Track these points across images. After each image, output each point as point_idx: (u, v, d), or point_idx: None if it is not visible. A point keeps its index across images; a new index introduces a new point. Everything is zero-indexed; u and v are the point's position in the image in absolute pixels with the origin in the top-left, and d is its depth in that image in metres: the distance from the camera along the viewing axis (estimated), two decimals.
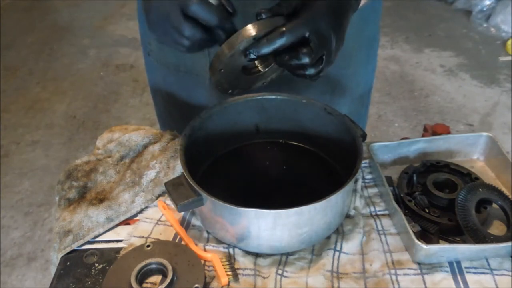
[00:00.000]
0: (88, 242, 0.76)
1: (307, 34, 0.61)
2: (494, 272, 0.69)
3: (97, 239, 0.76)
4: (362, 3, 0.75)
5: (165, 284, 0.65)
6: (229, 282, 0.68)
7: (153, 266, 0.68)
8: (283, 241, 0.69)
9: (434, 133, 0.98)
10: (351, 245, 0.73)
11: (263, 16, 0.61)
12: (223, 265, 0.69)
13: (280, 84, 0.78)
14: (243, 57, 0.62)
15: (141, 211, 0.80)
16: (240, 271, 0.70)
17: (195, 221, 0.78)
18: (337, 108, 0.82)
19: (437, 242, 0.72)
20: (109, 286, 0.67)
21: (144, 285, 0.68)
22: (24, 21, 3.71)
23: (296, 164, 0.87)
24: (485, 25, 3.36)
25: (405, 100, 2.77)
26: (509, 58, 3.08)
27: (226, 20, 0.62)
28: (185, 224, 0.78)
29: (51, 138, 2.59)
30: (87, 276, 0.70)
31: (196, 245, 0.73)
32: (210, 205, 0.69)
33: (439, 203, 0.77)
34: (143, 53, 1.06)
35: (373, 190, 0.83)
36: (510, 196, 0.78)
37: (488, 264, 0.70)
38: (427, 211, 0.75)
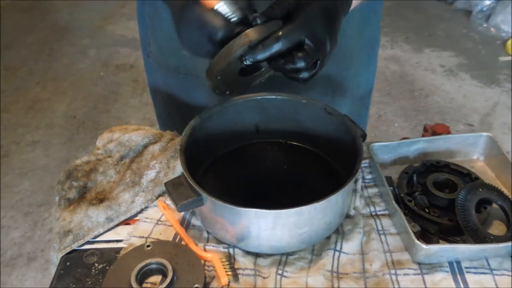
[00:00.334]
0: (88, 242, 0.76)
1: (303, 39, 0.61)
2: (494, 272, 0.69)
3: (97, 239, 0.76)
4: (354, 4, 0.75)
5: (165, 284, 0.65)
6: (229, 282, 0.68)
7: (153, 266, 0.68)
8: (283, 241, 0.69)
9: (434, 133, 0.98)
10: (351, 245, 0.73)
11: (258, 21, 0.61)
12: (223, 265, 0.69)
13: (280, 85, 0.78)
14: (240, 63, 0.63)
15: (141, 211, 0.80)
16: (240, 271, 0.70)
17: (195, 221, 0.78)
18: (337, 109, 0.82)
19: (437, 242, 0.72)
20: (109, 286, 0.67)
21: (144, 285, 0.68)
22: (24, 21, 3.71)
23: (296, 164, 0.87)
24: (485, 25, 3.36)
25: (405, 100, 2.77)
26: (509, 58, 3.08)
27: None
28: (185, 224, 0.78)
29: (51, 138, 2.59)
30: (87, 276, 0.70)
31: (196, 245, 0.73)
32: (210, 205, 0.69)
33: (439, 203, 0.77)
34: (142, 55, 1.06)
35: (373, 190, 0.83)
36: (510, 196, 0.78)
37: (488, 264, 0.70)
38: (427, 211, 0.75)
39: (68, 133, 2.62)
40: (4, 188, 2.29)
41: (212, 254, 0.71)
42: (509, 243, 0.68)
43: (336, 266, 0.70)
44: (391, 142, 0.87)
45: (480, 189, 0.75)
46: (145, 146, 0.89)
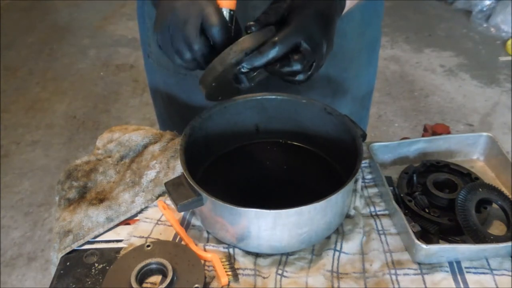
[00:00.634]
0: (88, 242, 0.76)
1: (299, 42, 0.61)
2: (494, 272, 0.69)
3: (97, 239, 0.76)
4: (351, 4, 0.75)
5: (165, 284, 0.65)
6: (229, 282, 0.68)
7: (153, 266, 0.68)
8: (283, 241, 0.69)
9: (434, 133, 0.98)
10: (351, 245, 0.73)
11: (253, 29, 0.61)
12: (223, 265, 0.69)
13: (280, 85, 0.78)
14: (235, 70, 0.62)
15: (141, 211, 0.80)
16: (240, 271, 0.70)
17: (195, 221, 0.78)
18: (338, 109, 0.82)
19: (437, 242, 0.72)
20: (109, 286, 0.67)
21: (144, 285, 0.68)
22: (24, 21, 3.71)
23: (296, 164, 0.87)
24: (485, 25, 3.36)
25: (405, 100, 2.77)
26: (509, 58, 3.08)
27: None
28: (185, 224, 0.78)
29: (51, 138, 2.59)
30: (87, 276, 0.70)
31: (196, 245, 0.73)
32: (210, 205, 0.69)
33: (439, 203, 0.77)
34: (142, 55, 1.06)
35: (373, 190, 0.83)
36: (510, 196, 0.78)
37: (488, 264, 0.70)
38: (427, 211, 0.75)
39: (68, 133, 2.62)
40: (4, 188, 2.29)
41: (212, 254, 0.71)
42: (509, 243, 0.68)
43: (336, 266, 0.70)
44: (391, 142, 0.87)
45: (480, 189, 0.75)
46: (145, 146, 0.89)
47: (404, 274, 0.69)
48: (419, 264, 0.70)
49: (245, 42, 0.60)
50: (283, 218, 0.67)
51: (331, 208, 0.69)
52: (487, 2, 3.34)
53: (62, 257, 0.74)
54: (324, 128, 0.84)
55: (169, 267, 0.67)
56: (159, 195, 0.82)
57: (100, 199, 0.81)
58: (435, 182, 0.79)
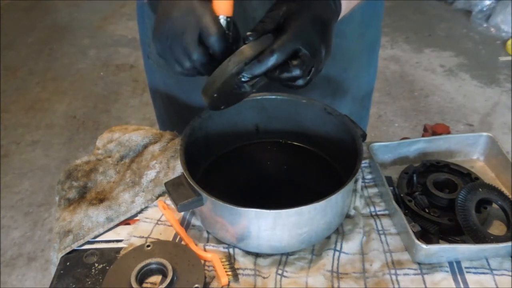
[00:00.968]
0: (88, 242, 0.76)
1: (298, 48, 0.61)
2: (494, 272, 0.69)
3: (97, 239, 0.76)
4: (351, 5, 0.75)
5: (165, 284, 0.65)
6: (229, 282, 0.68)
7: (153, 266, 0.68)
8: (283, 241, 0.69)
9: (434, 133, 0.98)
10: (351, 245, 0.73)
11: (251, 39, 0.61)
12: (223, 265, 0.69)
13: (281, 86, 0.78)
14: (236, 79, 0.62)
15: (141, 211, 0.80)
16: (240, 271, 0.70)
17: (195, 221, 0.78)
18: (337, 110, 0.82)
19: (437, 242, 0.72)
20: (109, 286, 0.67)
21: (144, 285, 0.68)
22: (24, 21, 3.71)
23: (296, 164, 0.87)
24: (485, 25, 3.36)
25: (405, 100, 2.77)
26: (509, 58, 3.08)
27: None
28: (185, 224, 0.78)
29: (51, 138, 2.59)
30: (87, 276, 0.70)
31: (196, 245, 0.73)
32: (210, 205, 0.69)
33: (439, 203, 0.77)
34: (142, 55, 1.06)
35: (373, 190, 0.83)
36: (510, 196, 0.78)
37: (488, 264, 0.70)
38: (427, 211, 0.75)
39: (68, 133, 2.62)
40: (4, 188, 2.29)
41: (212, 254, 0.71)
42: (509, 243, 0.68)
43: (336, 266, 0.70)
44: (391, 142, 0.87)
45: (480, 189, 0.75)
46: (145, 146, 0.89)
47: (404, 274, 0.69)
48: (419, 264, 0.70)
49: (244, 52, 0.60)
50: (283, 218, 0.67)
51: (331, 208, 0.69)
52: (487, 2, 3.34)
53: (62, 257, 0.74)
54: (324, 128, 0.84)
55: (169, 267, 0.67)
56: (159, 195, 0.82)
57: (100, 199, 0.81)
58: (435, 182, 0.79)
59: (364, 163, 0.88)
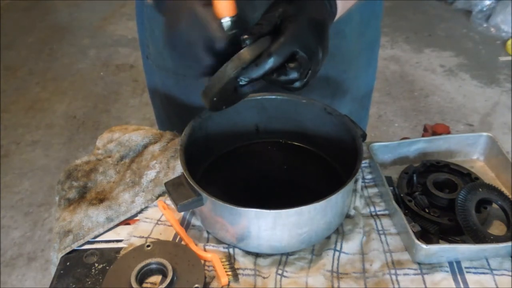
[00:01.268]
0: (88, 242, 0.76)
1: (295, 51, 0.61)
2: (494, 272, 0.69)
3: (97, 239, 0.76)
4: (349, 5, 0.75)
5: (165, 284, 0.65)
6: (229, 282, 0.68)
7: (153, 266, 0.68)
8: (283, 241, 0.69)
9: (434, 133, 0.98)
10: (351, 245, 0.73)
11: (247, 42, 0.61)
12: (223, 265, 0.69)
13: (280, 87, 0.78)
14: (234, 83, 0.63)
15: (141, 211, 0.80)
16: (240, 271, 0.70)
17: (195, 221, 0.78)
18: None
19: (437, 242, 0.72)
20: (109, 286, 0.67)
21: (144, 285, 0.68)
22: (24, 21, 3.71)
23: (296, 164, 0.87)
24: (485, 25, 3.36)
25: (405, 100, 2.77)
26: (509, 58, 3.08)
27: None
28: (185, 224, 0.78)
29: (51, 138, 2.59)
30: (87, 276, 0.70)
31: (196, 245, 0.73)
32: (210, 205, 0.69)
33: (439, 203, 0.77)
34: (141, 56, 1.06)
35: (373, 190, 0.83)
36: (510, 196, 0.78)
37: (488, 264, 0.70)
38: (427, 211, 0.75)
39: (68, 133, 2.62)
40: (4, 188, 2.29)
41: (212, 254, 0.71)
42: (509, 243, 0.68)
43: (336, 266, 0.70)
44: (391, 142, 0.87)
45: (480, 189, 0.75)
46: (145, 146, 0.89)
47: (404, 274, 0.69)
48: (419, 264, 0.70)
49: (242, 56, 0.60)
50: (283, 218, 0.67)
51: (331, 208, 0.69)
52: (487, 2, 3.34)
53: (62, 257, 0.74)
54: (324, 128, 0.84)
55: (169, 267, 0.67)
56: (159, 195, 0.82)
57: (100, 199, 0.81)
58: (435, 182, 0.79)
59: (364, 163, 0.88)
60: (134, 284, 0.65)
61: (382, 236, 0.75)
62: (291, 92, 0.66)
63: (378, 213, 0.79)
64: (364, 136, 0.77)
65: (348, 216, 0.77)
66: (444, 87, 2.87)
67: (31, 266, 1.95)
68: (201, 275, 0.67)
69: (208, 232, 0.76)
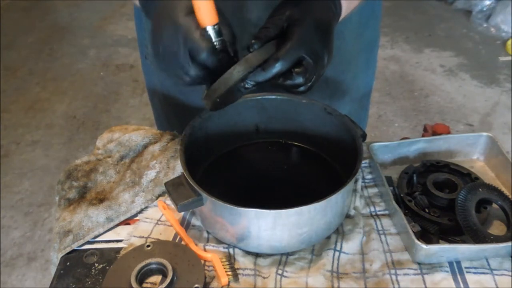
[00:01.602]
0: (88, 242, 0.76)
1: (301, 56, 0.61)
2: (494, 272, 0.69)
3: (97, 239, 0.76)
4: (352, 6, 0.75)
5: (165, 284, 0.65)
6: (229, 282, 0.68)
7: (153, 266, 0.68)
8: (283, 241, 0.69)
9: (434, 133, 0.98)
10: (351, 245, 0.73)
11: (255, 46, 0.61)
12: (223, 265, 0.69)
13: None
14: (239, 86, 0.63)
15: (141, 211, 0.80)
16: (240, 271, 0.70)
17: (195, 221, 0.78)
18: None
19: (437, 242, 0.72)
20: (109, 286, 0.67)
21: (144, 285, 0.68)
22: (24, 21, 3.71)
23: (296, 164, 0.87)
24: (485, 25, 3.36)
25: (405, 100, 2.77)
26: (509, 58, 3.08)
27: (228, 64, 0.62)
28: (185, 224, 0.78)
29: (51, 138, 2.59)
30: (87, 276, 0.70)
31: (196, 245, 0.73)
32: (210, 205, 0.69)
33: (439, 203, 0.77)
34: (140, 56, 1.06)
35: (373, 190, 0.83)
36: (510, 196, 0.78)
37: (488, 264, 0.70)
38: (427, 211, 0.75)
39: (68, 133, 2.62)
40: (4, 188, 2.29)
41: (212, 254, 0.71)
42: (509, 243, 0.68)
43: (336, 266, 0.70)
44: (391, 142, 0.87)
45: (480, 189, 0.75)
46: (145, 146, 0.89)
47: (404, 274, 0.69)
48: (419, 264, 0.70)
49: (249, 60, 0.60)
50: (283, 218, 0.67)
51: (331, 208, 0.69)
52: (487, 2, 3.34)
53: (62, 257, 0.74)
54: (324, 128, 0.84)
55: (169, 267, 0.67)
56: (159, 195, 0.82)
57: (100, 199, 0.81)
58: (435, 182, 0.79)
59: (364, 163, 0.88)
60: (134, 284, 0.65)
61: (382, 236, 0.75)
62: (295, 94, 0.66)
63: (378, 213, 0.79)
64: (364, 136, 0.77)
65: (348, 216, 0.77)
66: (444, 87, 2.87)
67: (31, 266, 1.95)
68: (201, 275, 0.67)
69: (208, 232, 0.76)
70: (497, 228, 0.76)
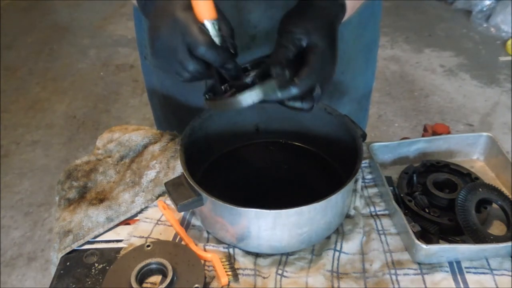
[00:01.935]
0: (88, 242, 0.76)
1: (314, 85, 0.63)
2: (494, 272, 0.69)
3: (97, 239, 0.76)
4: (355, 7, 0.75)
5: (165, 284, 0.65)
6: (229, 282, 0.68)
7: (153, 266, 0.68)
8: (283, 241, 0.69)
9: (434, 133, 0.98)
10: (351, 245, 0.73)
11: (277, 71, 0.61)
12: (223, 265, 0.69)
13: None
14: None
15: (141, 211, 0.80)
16: (240, 271, 0.70)
17: (195, 221, 0.78)
18: None
19: (437, 242, 0.72)
20: (109, 286, 0.67)
21: (144, 285, 0.68)
22: (24, 21, 3.71)
23: (296, 164, 0.87)
24: (485, 25, 3.36)
25: (405, 100, 2.77)
26: (509, 58, 3.07)
27: (229, 61, 0.62)
28: (185, 224, 0.78)
29: (51, 138, 2.59)
30: (87, 276, 0.70)
31: (196, 245, 0.73)
32: (210, 205, 0.69)
33: (439, 203, 0.77)
34: (139, 56, 1.06)
35: (373, 190, 0.83)
36: (510, 196, 0.78)
37: (488, 264, 0.70)
38: (427, 211, 0.75)
39: (68, 133, 2.61)
40: (4, 188, 2.29)
41: (212, 254, 0.71)
42: (509, 243, 0.68)
43: (336, 266, 0.70)
44: (391, 142, 0.87)
45: (480, 189, 0.75)
46: (145, 146, 0.89)
47: (404, 274, 0.69)
48: (419, 264, 0.70)
49: (267, 88, 0.61)
50: (283, 218, 0.67)
51: (331, 208, 0.69)
52: (487, 2, 3.34)
53: (62, 257, 0.74)
54: (324, 128, 0.84)
55: (169, 267, 0.67)
56: (159, 195, 0.82)
57: (100, 199, 0.81)
58: (435, 182, 0.79)
59: (364, 163, 0.88)
60: (134, 284, 0.65)
61: (382, 236, 0.75)
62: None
63: (378, 213, 0.79)
64: (364, 136, 0.77)
65: (348, 216, 0.77)
66: (444, 87, 2.87)
67: (31, 266, 1.95)
68: (201, 275, 0.67)
69: (208, 232, 0.76)
70: (497, 228, 0.76)
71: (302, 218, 0.67)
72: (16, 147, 2.53)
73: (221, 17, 0.61)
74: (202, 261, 0.70)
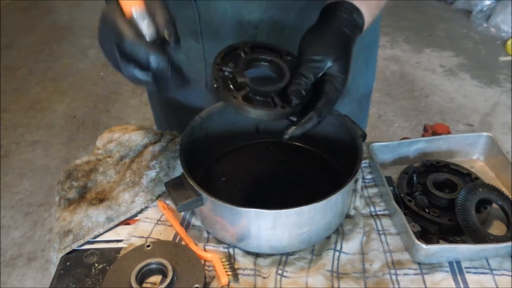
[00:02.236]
0: (88, 242, 0.76)
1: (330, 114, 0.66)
2: (494, 272, 0.69)
3: (97, 239, 0.76)
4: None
5: (165, 284, 0.65)
6: (229, 282, 0.68)
7: (153, 266, 0.68)
8: (283, 241, 0.69)
9: (434, 133, 0.98)
10: (351, 245, 0.73)
11: (297, 104, 0.64)
12: (223, 265, 0.69)
13: None
14: None
15: (141, 211, 0.80)
16: (240, 271, 0.70)
17: (195, 221, 0.78)
18: None
19: (437, 242, 0.72)
20: (109, 286, 0.67)
21: (144, 285, 0.68)
22: (24, 21, 3.71)
23: (296, 164, 0.87)
24: (485, 25, 3.36)
25: (405, 100, 2.77)
26: (509, 58, 3.07)
27: (160, 57, 0.56)
28: (185, 224, 0.78)
29: (51, 138, 2.59)
30: (87, 276, 0.70)
31: (196, 245, 0.73)
32: (210, 205, 0.69)
33: (439, 203, 0.77)
34: None
35: (373, 190, 0.83)
36: (510, 196, 0.78)
37: (488, 264, 0.70)
38: (427, 211, 0.75)
39: (68, 133, 2.62)
40: (4, 188, 2.29)
41: (212, 254, 0.71)
42: (509, 243, 0.68)
43: (336, 266, 0.70)
44: (391, 142, 0.87)
45: (480, 189, 0.75)
46: (145, 146, 0.89)
47: (404, 274, 0.69)
48: (419, 264, 0.70)
49: (282, 116, 0.65)
50: (283, 218, 0.67)
51: (331, 208, 0.69)
52: (487, 2, 3.34)
53: (62, 257, 0.74)
54: (324, 128, 0.83)
55: (169, 267, 0.67)
56: (159, 195, 0.82)
57: (100, 199, 0.81)
58: (435, 182, 0.79)
59: (364, 163, 0.88)
60: (134, 284, 0.65)
61: (382, 236, 0.75)
62: None
63: (378, 213, 0.79)
64: (364, 136, 0.77)
65: (348, 216, 0.77)
66: (444, 87, 2.87)
67: (31, 266, 1.95)
68: (201, 275, 0.67)
69: (208, 232, 0.76)
70: (497, 228, 0.76)
71: (302, 218, 0.67)
72: (16, 147, 2.53)
73: (158, 6, 0.55)
74: (202, 261, 0.70)
